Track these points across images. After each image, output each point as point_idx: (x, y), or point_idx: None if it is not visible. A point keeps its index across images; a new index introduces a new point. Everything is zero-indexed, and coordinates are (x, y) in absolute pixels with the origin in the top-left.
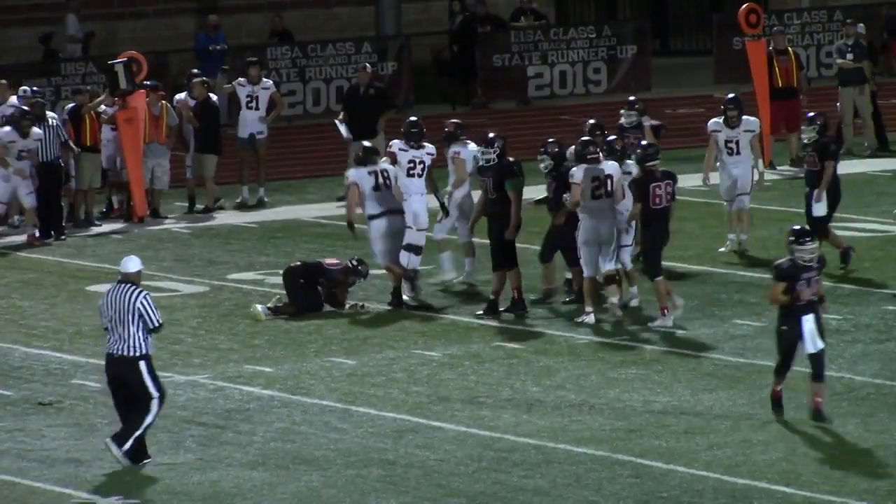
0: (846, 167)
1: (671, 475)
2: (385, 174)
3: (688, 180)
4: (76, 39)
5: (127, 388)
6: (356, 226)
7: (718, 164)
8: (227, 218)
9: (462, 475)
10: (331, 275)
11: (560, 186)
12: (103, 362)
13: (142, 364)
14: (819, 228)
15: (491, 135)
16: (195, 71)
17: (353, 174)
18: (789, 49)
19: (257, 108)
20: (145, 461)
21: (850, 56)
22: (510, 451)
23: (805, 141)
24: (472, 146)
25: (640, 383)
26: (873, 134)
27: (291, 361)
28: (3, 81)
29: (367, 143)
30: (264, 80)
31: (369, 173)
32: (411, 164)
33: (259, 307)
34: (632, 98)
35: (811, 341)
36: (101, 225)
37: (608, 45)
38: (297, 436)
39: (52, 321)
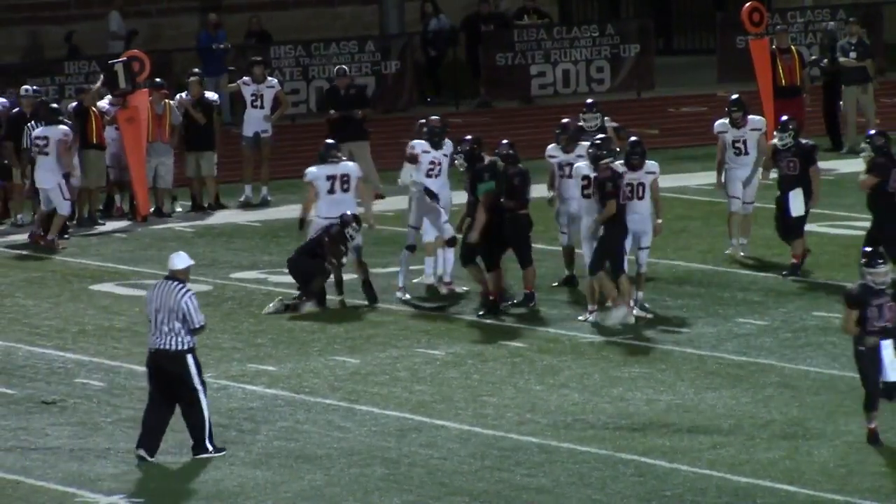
0: (850, 166)
1: (674, 474)
2: (345, 179)
3: (692, 179)
4: (118, 36)
5: (171, 385)
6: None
7: (726, 165)
8: (230, 217)
9: (465, 474)
10: (319, 240)
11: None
12: (106, 361)
13: (189, 358)
14: (796, 228)
15: (468, 137)
16: (195, 70)
17: (311, 174)
18: (792, 47)
19: (262, 107)
20: (154, 458)
21: (853, 55)
22: (513, 450)
23: (780, 147)
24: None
25: (643, 382)
26: None
27: (295, 360)
28: None
29: (328, 141)
30: (269, 78)
31: (327, 177)
32: (431, 166)
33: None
34: (590, 101)
35: (892, 368)
36: (104, 224)
37: (611, 43)
38: (301, 434)
39: (55, 320)
